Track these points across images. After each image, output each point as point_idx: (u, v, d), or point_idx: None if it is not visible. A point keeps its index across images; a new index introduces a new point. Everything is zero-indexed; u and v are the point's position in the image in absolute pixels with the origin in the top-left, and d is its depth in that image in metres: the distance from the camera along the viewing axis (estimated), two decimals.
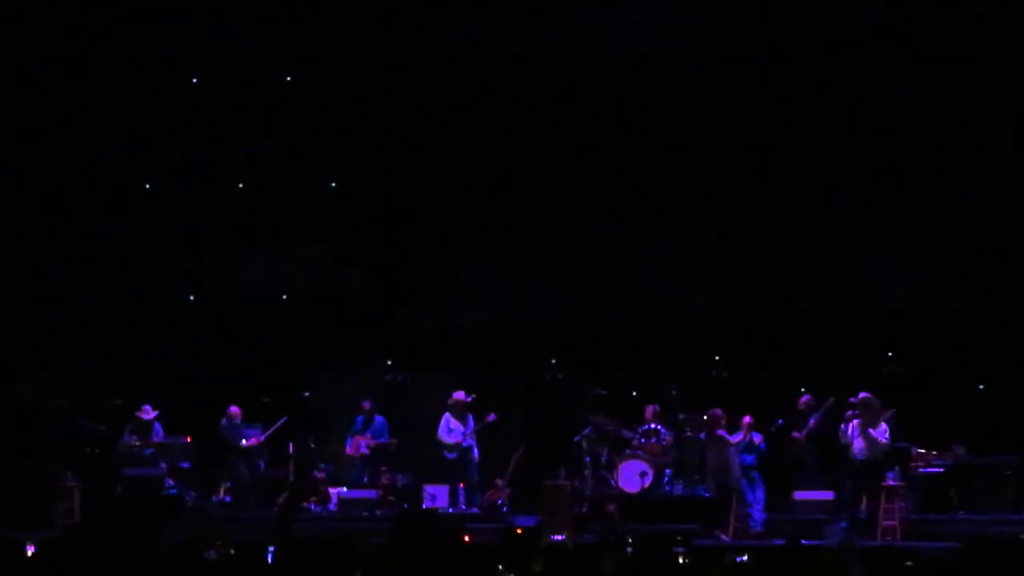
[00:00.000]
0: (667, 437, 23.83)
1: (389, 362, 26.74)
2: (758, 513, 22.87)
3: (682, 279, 25.91)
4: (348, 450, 25.15)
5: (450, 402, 24.21)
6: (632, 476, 23.43)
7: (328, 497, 24.38)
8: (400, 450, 25.14)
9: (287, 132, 26.57)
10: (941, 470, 23.39)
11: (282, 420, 24.53)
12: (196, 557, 12.47)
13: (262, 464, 24.70)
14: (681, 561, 12.16)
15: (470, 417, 24.16)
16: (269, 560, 11.97)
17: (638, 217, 26.04)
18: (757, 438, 23.09)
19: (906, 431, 23.19)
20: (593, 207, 26.14)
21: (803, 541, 16.25)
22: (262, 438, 24.54)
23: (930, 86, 24.76)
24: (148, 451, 23.99)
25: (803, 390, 24.18)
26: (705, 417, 23.23)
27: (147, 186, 26.79)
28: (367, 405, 25.16)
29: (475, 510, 23.58)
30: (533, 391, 26.18)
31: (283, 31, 26.22)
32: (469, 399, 24.19)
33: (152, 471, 23.70)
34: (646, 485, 23.39)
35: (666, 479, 23.71)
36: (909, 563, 11.74)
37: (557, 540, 20.56)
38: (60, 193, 26.03)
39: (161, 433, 24.18)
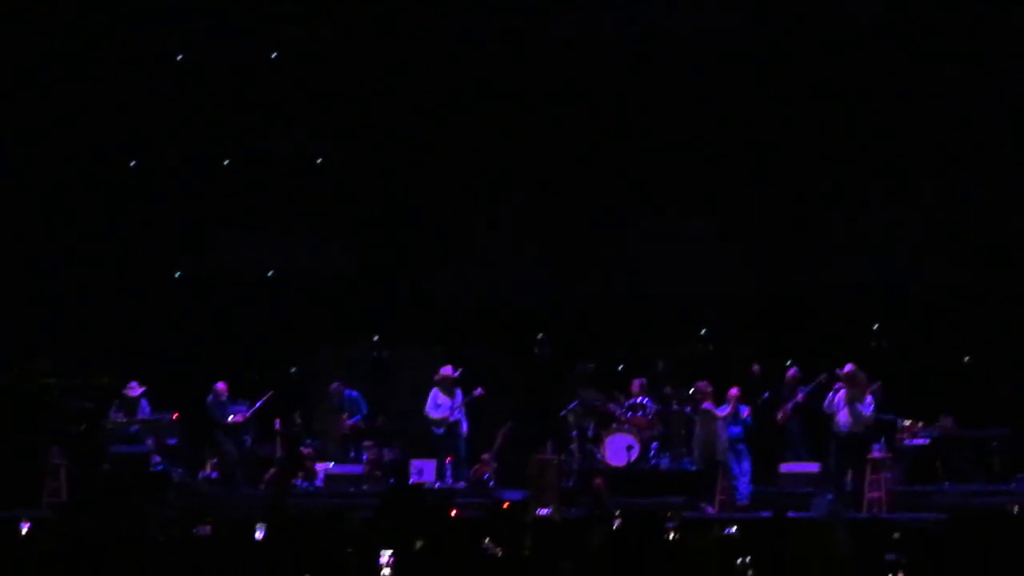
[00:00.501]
0: (653, 410, 23.87)
1: (376, 338, 26.73)
2: (744, 486, 22.92)
3: (669, 255, 25.94)
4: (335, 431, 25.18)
5: (437, 377, 24.19)
6: (619, 450, 23.46)
7: (315, 473, 24.39)
8: (387, 425, 25.16)
9: (275, 113, 26.54)
10: (927, 442, 23.48)
11: (267, 395, 24.52)
12: (186, 533, 12.47)
13: (249, 440, 24.69)
14: (671, 536, 12.17)
15: (458, 391, 24.14)
16: (259, 536, 11.97)
17: (626, 198, 26.06)
18: (744, 411, 23.14)
19: (893, 403, 23.28)
20: (583, 189, 26.17)
21: (789, 513, 16.33)
22: (248, 414, 24.53)
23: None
24: (134, 428, 23.96)
25: (790, 363, 24.24)
26: (691, 391, 23.29)
27: (132, 164, 26.72)
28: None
29: (462, 485, 23.60)
30: (521, 366, 26.20)
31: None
32: (456, 374, 24.17)
33: (139, 448, 23.68)
34: (632, 459, 23.43)
35: (652, 452, 23.76)
36: (896, 534, 11.76)
37: (543, 514, 20.60)
38: (44, 176, 25.97)
39: (148, 410, 24.15)
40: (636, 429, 23.65)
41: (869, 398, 21.89)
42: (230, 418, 24.39)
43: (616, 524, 12.87)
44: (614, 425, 23.86)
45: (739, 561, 10.99)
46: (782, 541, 10.51)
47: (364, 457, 24.56)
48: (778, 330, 25.43)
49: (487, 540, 11.82)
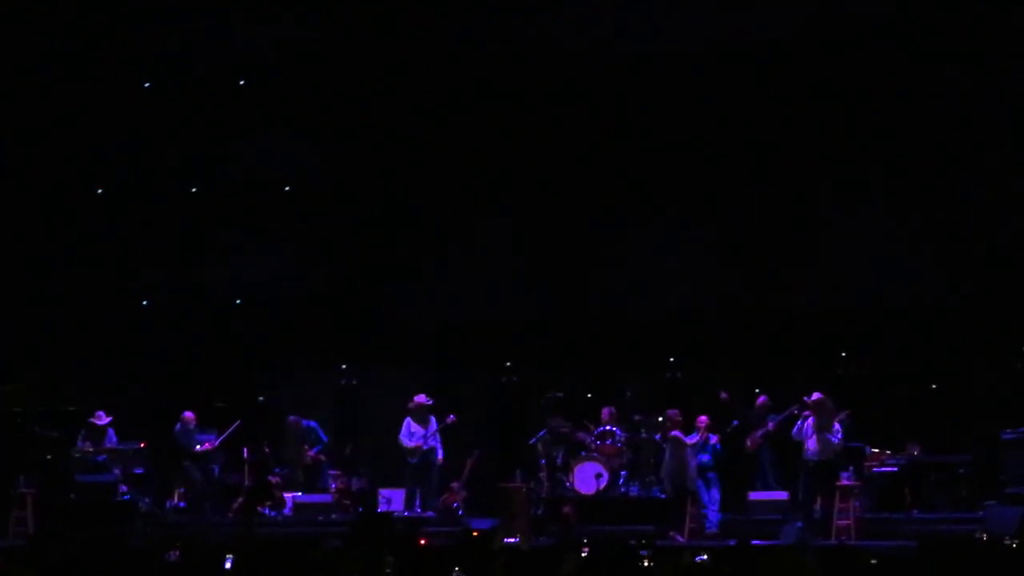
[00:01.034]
0: (622, 438, 23.88)
1: (343, 366, 26.68)
2: (713, 514, 22.94)
3: (637, 283, 25.96)
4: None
5: (411, 405, 24.14)
6: (588, 478, 23.46)
7: (283, 502, 24.30)
8: (356, 453, 25.09)
9: (249, 135, 26.50)
10: (895, 469, 23.55)
11: (235, 425, 24.45)
12: (158, 559, 12.43)
13: (216, 469, 24.61)
14: (645, 563, 12.18)
15: (432, 419, 24.10)
16: (227, 566, 11.92)
17: (595, 223, 26.09)
18: (713, 439, 23.17)
19: (861, 431, 23.33)
20: (549, 214, 26.17)
21: (758, 541, 16.34)
22: (216, 443, 24.45)
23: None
24: (102, 457, 23.84)
25: (758, 391, 24.29)
26: (660, 418, 23.32)
27: (99, 191, 26.64)
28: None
29: (431, 513, 23.54)
30: (489, 394, 26.18)
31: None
32: (430, 402, 24.13)
33: (105, 477, 23.56)
34: (601, 487, 23.43)
35: (621, 480, 23.76)
36: (874, 561, 11.81)
37: (511, 543, 20.57)
38: (9, 202, 25.86)
39: (115, 439, 24.04)
40: (605, 457, 23.65)
41: (837, 426, 21.94)
42: (198, 447, 24.31)
43: (585, 552, 12.87)
44: (583, 453, 23.85)
45: None
46: (753, 569, 10.52)
47: (332, 486, 24.50)
48: (747, 357, 25.47)
49: (456, 569, 11.81)
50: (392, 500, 23.97)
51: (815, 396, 21.94)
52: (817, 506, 21.87)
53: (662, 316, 25.75)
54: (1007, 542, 16.00)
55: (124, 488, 23.55)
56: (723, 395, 24.10)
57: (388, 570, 12.27)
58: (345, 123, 26.32)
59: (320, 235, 26.86)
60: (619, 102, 25.57)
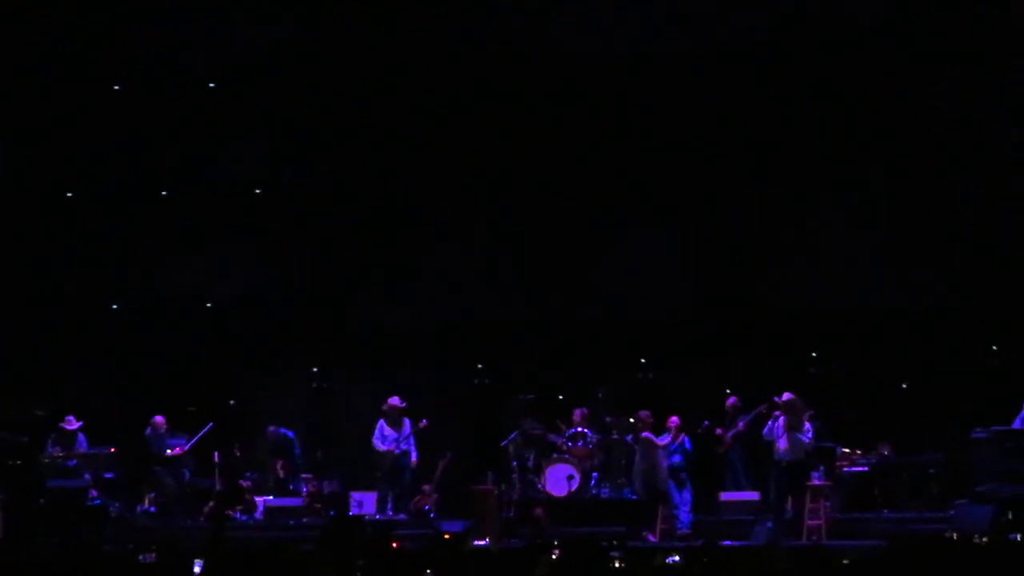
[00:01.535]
0: (594, 440, 23.88)
1: (315, 369, 26.63)
2: (684, 515, 22.97)
3: (609, 285, 25.98)
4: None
5: (385, 408, 24.09)
6: (559, 480, 23.46)
7: (254, 506, 24.24)
8: (328, 456, 25.05)
9: (212, 137, 26.42)
10: (866, 469, 23.61)
11: (206, 428, 24.38)
12: (130, 564, 12.39)
13: (187, 473, 24.56)
14: (616, 565, 12.18)
15: (406, 422, 24.06)
16: (197, 570, 11.89)
17: (566, 227, 26.09)
18: (684, 439, 23.19)
19: (832, 431, 23.38)
20: (518, 216, 26.17)
21: (729, 542, 16.34)
22: (187, 447, 24.39)
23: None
24: (71, 462, 23.76)
25: (727, 391, 24.32)
26: (632, 420, 23.32)
27: (69, 194, 26.55)
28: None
29: (403, 516, 23.52)
30: (461, 396, 26.16)
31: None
32: (404, 404, 24.09)
33: (75, 482, 23.44)
34: (573, 489, 23.42)
35: (593, 482, 23.76)
36: (845, 560, 11.83)
37: (482, 545, 20.57)
38: None
39: (85, 444, 23.96)
40: (577, 459, 23.65)
41: (808, 425, 21.97)
42: (169, 451, 24.24)
43: (556, 554, 12.87)
44: (555, 455, 23.84)
45: None
46: (724, 569, 10.53)
47: (304, 490, 24.46)
48: (718, 358, 25.49)
49: (427, 571, 11.80)
50: (364, 503, 23.92)
51: (786, 396, 21.96)
52: (788, 506, 21.89)
53: (633, 318, 25.76)
54: (977, 541, 16.04)
55: (94, 493, 23.44)
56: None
57: (358, 574, 12.25)
58: (319, 127, 26.28)
59: (293, 238, 26.82)
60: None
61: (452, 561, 12.43)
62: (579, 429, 23.91)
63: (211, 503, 23.93)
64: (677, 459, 23.06)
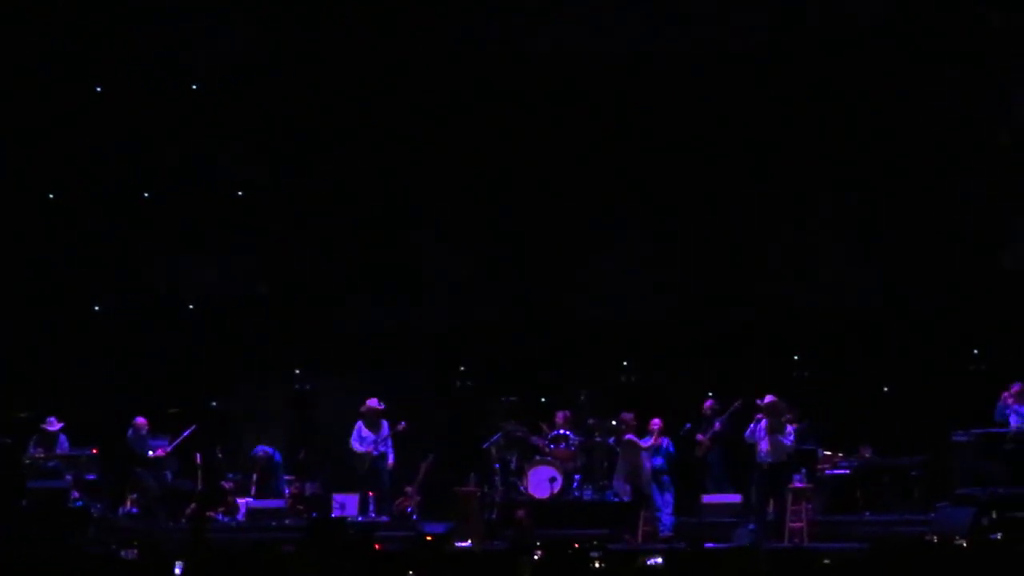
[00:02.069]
0: (576, 442, 23.90)
1: (297, 371, 26.62)
2: (667, 517, 22.99)
3: (591, 287, 26.00)
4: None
5: (363, 409, 24.08)
6: (541, 482, 23.46)
7: (236, 507, 24.23)
8: (310, 458, 25.03)
9: (195, 140, 26.41)
10: (848, 472, 23.66)
11: (189, 430, 24.35)
12: (112, 565, 12.38)
13: (169, 475, 24.50)
14: (597, 565, 12.20)
15: (384, 424, 24.05)
16: (177, 572, 11.89)
17: (551, 230, 26.11)
18: (666, 442, 23.23)
19: (814, 434, 23.42)
20: (509, 219, 26.19)
21: (710, 544, 16.37)
22: (169, 449, 24.35)
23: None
24: (53, 463, 23.71)
25: (709, 394, 24.36)
26: (614, 422, 23.35)
27: (51, 196, 26.50)
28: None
29: (385, 518, 23.51)
30: (444, 398, 26.16)
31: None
32: (382, 406, 24.08)
33: (57, 483, 23.40)
34: (555, 491, 23.42)
35: (575, 484, 23.77)
36: (827, 562, 11.87)
37: (464, 547, 20.57)
38: None
39: (66, 445, 23.89)
40: (559, 461, 23.66)
41: (790, 428, 22.01)
42: (151, 453, 24.21)
43: (539, 556, 12.89)
44: (537, 457, 23.85)
45: None
46: (706, 571, 10.55)
47: (286, 491, 24.44)
48: (700, 361, 25.53)
49: (410, 573, 11.81)
50: (346, 505, 23.89)
51: (768, 399, 21.99)
52: (770, 508, 21.93)
53: (615, 320, 25.79)
54: (958, 543, 16.09)
55: (76, 494, 23.40)
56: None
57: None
58: (299, 129, 26.26)
59: (273, 240, 26.80)
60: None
61: (434, 563, 12.44)
62: (561, 431, 23.92)
63: (193, 504, 23.90)
64: (659, 461, 23.08)
